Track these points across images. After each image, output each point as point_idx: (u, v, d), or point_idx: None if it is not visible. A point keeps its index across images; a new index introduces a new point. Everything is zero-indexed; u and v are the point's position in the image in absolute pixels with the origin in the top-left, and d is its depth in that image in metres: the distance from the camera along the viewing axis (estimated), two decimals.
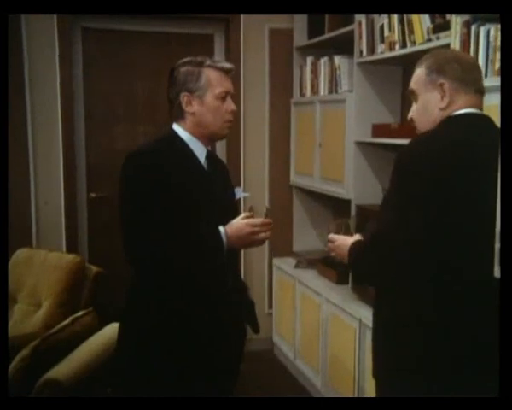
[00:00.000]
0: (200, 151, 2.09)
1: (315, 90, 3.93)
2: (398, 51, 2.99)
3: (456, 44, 2.55)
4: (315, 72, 3.94)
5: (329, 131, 3.66)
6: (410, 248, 1.70)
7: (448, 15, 2.76)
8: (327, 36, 3.76)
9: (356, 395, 3.09)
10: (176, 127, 2.11)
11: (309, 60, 4.01)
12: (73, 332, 2.27)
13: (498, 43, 2.33)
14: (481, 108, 1.84)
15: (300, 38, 4.18)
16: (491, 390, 1.69)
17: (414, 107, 1.90)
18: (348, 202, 3.50)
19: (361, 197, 3.39)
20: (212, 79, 2.04)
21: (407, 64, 3.32)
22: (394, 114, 3.45)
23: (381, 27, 3.14)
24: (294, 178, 4.24)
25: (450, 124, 1.79)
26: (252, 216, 2.06)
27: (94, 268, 3.33)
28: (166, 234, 1.94)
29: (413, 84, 1.88)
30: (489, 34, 2.38)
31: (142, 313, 2.04)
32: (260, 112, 4.29)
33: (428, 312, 1.74)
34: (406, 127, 3.00)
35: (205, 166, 2.10)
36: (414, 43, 2.88)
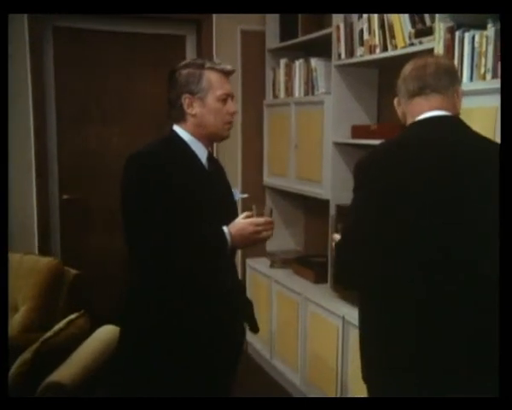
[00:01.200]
0: (201, 152, 2.11)
1: (289, 91, 3.98)
2: (379, 55, 3.06)
3: (439, 50, 2.64)
4: (289, 74, 3.98)
5: (306, 132, 3.71)
6: (388, 248, 1.75)
7: (429, 21, 2.86)
8: (302, 38, 3.80)
9: (339, 392, 3.15)
10: (177, 128, 2.11)
11: (282, 62, 4.05)
12: (71, 335, 2.24)
13: (483, 48, 2.43)
14: (444, 108, 1.86)
15: (272, 39, 4.22)
16: (485, 388, 1.75)
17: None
18: (324, 201, 3.56)
19: (339, 197, 3.44)
20: (214, 81, 2.06)
21: (383, 66, 3.42)
22: (371, 115, 3.53)
23: (361, 31, 3.21)
24: (268, 179, 4.28)
25: (406, 131, 1.89)
26: (252, 215, 2.09)
27: (72, 271, 3.27)
28: (170, 235, 1.94)
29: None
30: (474, 40, 2.48)
31: (142, 313, 2.04)
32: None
33: (421, 310, 1.76)
34: (385, 128, 3.09)
35: (206, 166, 2.12)
36: (395, 47, 2.95)
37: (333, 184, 3.47)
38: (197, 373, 2.03)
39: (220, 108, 2.07)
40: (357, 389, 2.99)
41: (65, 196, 3.99)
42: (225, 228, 2.02)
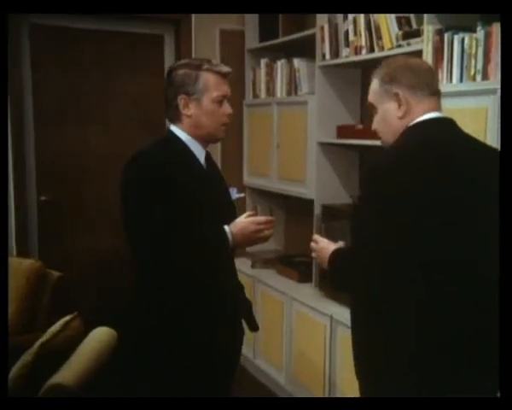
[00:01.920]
0: (199, 152, 2.11)
1: (271, 91, 3.98)
2: (365, 56, 3.09)
3: (428, 51, 2.68)
4: (270, 74, 3.99)
5: (288, 132, 3.72)
6: (395, 254, 1.73)
7: (415, 23, 2.91)
8: (284, 39, 3.82)
9: (327, 390, 3.17)
10: (174, 129, 2.12)
11: (263, 62, 4.05)
12: (69, 337, 2.21)
13: (473, 51, 2.48)
14: (440, 110, 1.88)
15: (252, 39, 4.22)
16: (485, 388, 1.78)
17: (375, 118, 1.94)
18: (307, 201, 3.59)
19: (323, 197, 3.47)
20: (210, 83, 2.05)
21: (366, 66, 3.45)
22: (354, 115, 3.56)
23: (346, 32, 3.24)
24: (248, 179, 4.27)
25: (412, 133, 1.82)
26: (255, 215, 2.10)
27: (55, 273, 3.22)
28: (171, 235, 1.93)
29: (370, 98, 1.92)
30: (463, 42, 2.53)
31: (142, 313, 2.04)
32: None
33: (421, 312, 1.75)
34: (371, 128, 3.11)
35: (204, 166, 2.13)
36: (382, 48, 2.99)
37: (317, 183, 3.49)
38: (197, 373, 2.03)
39: (216, 110, 2.07)
40: (346, 387, 3.03)
41: (43, 198, 3.91)
42: (226, 227, 2.02)
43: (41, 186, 3.91)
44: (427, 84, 1.89)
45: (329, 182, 3.52)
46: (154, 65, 4.19)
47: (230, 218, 2.10)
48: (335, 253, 1.94)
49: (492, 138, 2.33)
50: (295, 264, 3.79)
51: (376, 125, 1.94)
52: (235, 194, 2.30)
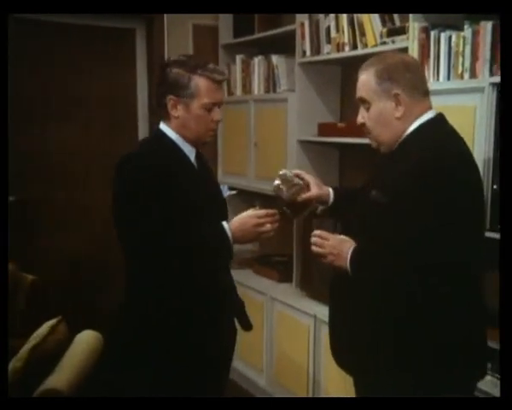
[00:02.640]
0: (189, 151, 2.09)
1: (247, 89, 3.92)
2: (348, 53, 3.06)
3: (414, 49, 2.67)
4: (246, 70, 3.92)
5: (267, 130, 3.66)
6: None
7: (398, 21, 2.89)
8: (261, 35, 3.75)
9: (311, 390, 3.14)
10: (163, 127, 2.09)
11: (238, 58, 3.98)
12: (57, 341, 2.16)
13: (460, 48, 2.48)
14: (432, 108, 1.91)
15: (226, 35, 4.14)
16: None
17: (364, 112, 1.91)
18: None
19: None
20: (201, 89, 2.01)
21: (346, 63, 3.43)
22: (334, 112, 3.54)
23: (328, 28, 3.20)
24: (223, 178, 4.19)
25: (439, 131, 1.85)
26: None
27: (29, 276, 3.11)
28: (170, 234, 1.91)
29: (363, 93, 1.89)
30: (451, 40, 2.52)
31: (139, 313, 2.01)
32: None
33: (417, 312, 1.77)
34: (353, 126, 3.09)
35: (195, 165, 2.11)
36: (366, 45, 2.96)
37: None
38: (193, 372, 2.01)
39: (204, 116, 2.03)
40: (332, 387, 3.00)
41: (11, 198, 3.74)
42: (225, 224, 2.00)
43: (10, 186, 3.74)
44: (422, 82, 1.90)
45: None
46: (126, 60, 4.09)
47: (223, 215, 2.09)
48: (359, 254, 1.84)
49: (481, 137, 2.34)
50: (274, 264, 3.74)
51: (369, 122, 1.91)
52: (226, 191, 2.27)
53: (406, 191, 1.73)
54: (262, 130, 3.71)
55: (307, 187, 2.15)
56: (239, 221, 1.99)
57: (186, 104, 2.00)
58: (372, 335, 1.84)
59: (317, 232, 1.94)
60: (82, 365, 2.13)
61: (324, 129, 3.32)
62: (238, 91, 4.01)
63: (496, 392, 2.22)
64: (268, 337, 3.50)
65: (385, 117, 1.86)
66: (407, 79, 1.84)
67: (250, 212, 2.02)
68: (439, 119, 1.89)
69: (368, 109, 1.89)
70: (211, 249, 1.98)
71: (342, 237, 1.91)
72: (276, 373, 3.46)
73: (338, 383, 2.87)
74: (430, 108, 1.90)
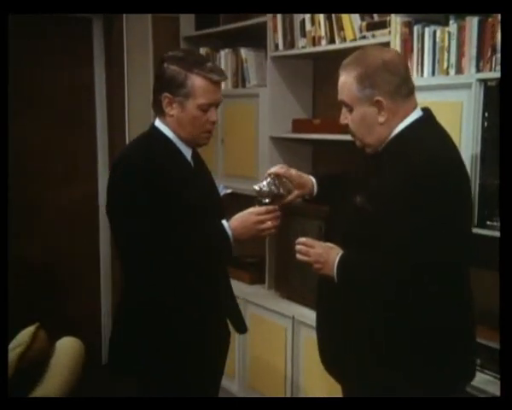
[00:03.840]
0: (185, 150, 2.03)
1: None
2: (326, 47, 2.98)
3: (396, 44, 2.62)
4: None
5: (236, 126, 3.54)
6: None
7: (376, 15, 2.83)
8: (228, 27, 3.61)
9: (289, 393, 3.06)
10: (159, 124, 2.01)
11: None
12: (42, 348, 2.06)
13: (446, 43, 2.44)
14: (417, 105, 1.88)
15: (188, 27, 3.98)
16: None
17: (347, 114, 1.88)
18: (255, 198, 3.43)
19: None
20: (198, 89, 1.93)
21: (318, 58, 3.35)
22: (306, 108, 3.45)
23: (302, 21, 3.10)
24: None
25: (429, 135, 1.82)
26: None
27: None
28: (170, 235, 1.87)
29: (345, 97, 1.85)
30: (435, 35, 2.48)
31: (135, 313, 1.98)
32: (146, 103, 3.98)
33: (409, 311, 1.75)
34: (328, 123, 3.03)
35: (192, 164, 2.05)
36: (344, 39, 2.89)
37: None
38: (186, 373, 1.97)
39: (199, 116, 1.96)
40: (311, 389, 2.93)
41: None
42: (225, 222, 1.95)
43: None
44: (405, 82, 1.85)
45: None
46: (82, 51, 3.91)
47: (221, 214, 2.03)
48: (348, 262, 1.81)
49: (468, 133, 2.31)
50: (245, 265, 3.63)
51: (352, 124, 1.87)
52: (222, 190, 2.21)
53: (395, 199, 1.71)
54: (230, 126, 3.59)
55: (288, 192, 2.10)
56: (239, 219, 1.95)
57: (181, 103, 1.94)
58: (361, 337, 1.81)
59: (301, 240, 1.90)
60: (70, 370, 2.08)
61: (299, 125, 3.24)
62: None
63: (491, 389, 2.20)
64: (241, 341, 3.38)
65: (368, 122, 1.83)
66: (389, 82, 1.79)
67: (250, 209, 1.98)
68: (426, 117, 1.86)
69: (350, 112, 1.86)
70: (211, 249, 1.94)
71: (328, 244, 1.88)
72: (249, 379, 3.36)
73: (320, 384, 2.81)
74: (415, 106, 1.86)
